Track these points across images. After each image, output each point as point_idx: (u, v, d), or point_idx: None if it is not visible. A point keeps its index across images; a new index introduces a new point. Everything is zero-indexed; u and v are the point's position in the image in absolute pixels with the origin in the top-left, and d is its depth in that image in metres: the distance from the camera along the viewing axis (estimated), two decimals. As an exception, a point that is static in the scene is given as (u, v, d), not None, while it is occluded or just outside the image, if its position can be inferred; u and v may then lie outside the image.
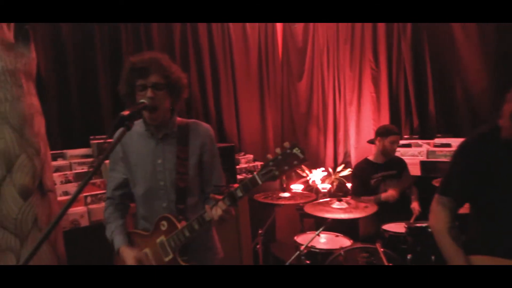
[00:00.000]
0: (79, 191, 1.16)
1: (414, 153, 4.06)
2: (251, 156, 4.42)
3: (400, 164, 3.51)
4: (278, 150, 1.40)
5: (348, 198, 3.09)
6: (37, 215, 2.09)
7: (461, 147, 1.66)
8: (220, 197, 1.52)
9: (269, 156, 1.42)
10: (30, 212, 2.07)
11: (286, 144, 1.39)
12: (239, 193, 1.48)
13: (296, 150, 1.37)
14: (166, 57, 1.66)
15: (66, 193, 2.87)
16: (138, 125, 1.74)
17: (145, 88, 1.59)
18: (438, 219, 1.65)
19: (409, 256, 2.56)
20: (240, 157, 4.23)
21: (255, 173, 1.43)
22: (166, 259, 1.66)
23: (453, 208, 1.65)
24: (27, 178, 2.06)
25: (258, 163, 4.35)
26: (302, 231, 4.07)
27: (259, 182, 1.42)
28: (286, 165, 1.38)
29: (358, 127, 4.98)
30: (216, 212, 1.51)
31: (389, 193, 3.22)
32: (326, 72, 5.20)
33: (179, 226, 1.63)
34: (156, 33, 3.84)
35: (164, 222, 1.67)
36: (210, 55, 4.35)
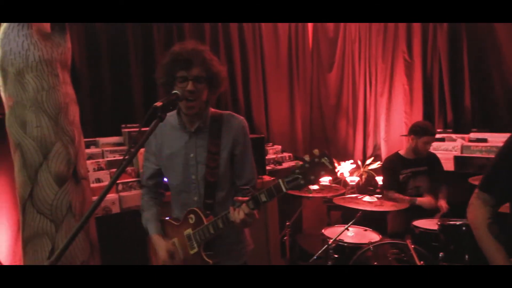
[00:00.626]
0: (113, 182, 1.17)
1: (447, 148, 3.94)
2: (279, 147, 4.41)
3: (432, 160, 3.40)
4: (306, 158, 1.37)
5: (378, 192, 3.04)
6: (71, 201, 2.15)
7: (509, 142, 1.57)
8: (245, 199, 1.51)
9: (297, 162, 1.39)
10: (65, 198, 2.13)
11: (316, 152, 1.35)
12: (263, 198, 1.46)
13: (324, 160, 1.33)
14: (208, 49, 1.65)
15: (98, 180, 2.94)
16: (172, 118, 1.74)
17: (186, 80, 1.58)
18: (478, 215, 1.58)
19: (441, 254, 2.49)
20: (268, 148, 4.22)
21: (280, 180, 1.41)
22: (192, 252, 1.68)
23: (494, 205, 1.57)
24: (62, 166, 2.11)
25: (286, 154, 4.34)
26: (329, 224, 4.04)
27: (284, 190, 1.40)
28: (313, 174, 1.34)
29: (389, 119, 4.88)
30: (238, 215, 1.50)
31: (426, 200, 3.14)
32: (357, 63, 5.10)
33: (206, 221, 1.64)
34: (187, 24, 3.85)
35: (192, 216, 1.68)
36: (240, 45, 4.34)
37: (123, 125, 3.32)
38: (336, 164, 4.74)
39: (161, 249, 1.72)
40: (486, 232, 1.53)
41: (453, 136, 4.05)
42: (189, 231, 1.69)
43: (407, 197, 3.17)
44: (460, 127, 4.25)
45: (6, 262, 2.69)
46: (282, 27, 4.78)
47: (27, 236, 2.14)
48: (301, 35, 5.01)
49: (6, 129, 2.14)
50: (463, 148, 3.87)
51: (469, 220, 1.62)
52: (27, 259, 2.17)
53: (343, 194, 3.36)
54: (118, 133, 3.32)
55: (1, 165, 2.78)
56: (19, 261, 2.86)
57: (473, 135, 3.92)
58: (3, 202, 2.83)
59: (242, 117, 1.81)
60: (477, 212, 1.59)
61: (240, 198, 1.54)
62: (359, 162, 4.90)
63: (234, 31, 4.26)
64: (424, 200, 3.14)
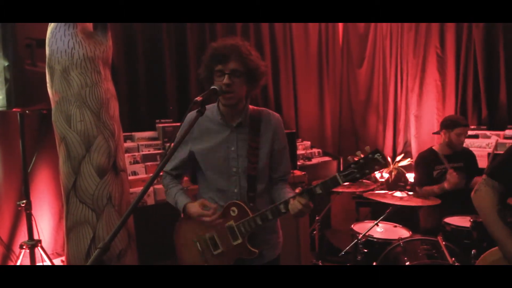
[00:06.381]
0: (154, 177, 1.21)
1: (481, 145, 3.86)
2: (308, 143, 4.44)
3: (468, 156, 3.34)
4: (359, 153, 1.52)
5: (408, 188, 3.02)
6: (111, 192, 2.27)
7: None
8: (301, 189, 1.60)
9: (350, 158, 1.53)
10: (106, 189, 2.24)
11: (367, 149, 1.50)
12: (318, 191, 1.56)
13: (378, 156, 1.46)
14: (246, 45, 1.69)
15: (134, 173, 3.06)
16: (210, 111, 1.77)
17: (223, 74, 1.64)
18: (486, 200, 1.61)
19: (473, 252, 2.46)
20: (297, 144, 4.25)
21: (336, 173, 1.52)
22: (235, 243, 1.73)
23: (502, 193, 1.59)
24: (103, 158, 2.23)
25: (316, 150, 4.36)
26: (358, 220, 4.05)
27: (340, 182, 1.51)
28: (368, 168, 1.47)
29: (420, 116, 4.82)
30: (295, 206, 1.58)
31: (452, 180, 3.06)
32: (388, 59, 5.05)
33: (251, 213, 1.69)
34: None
35: (234, 208, 1.73)
36: (270, 41, 4.38)
37: (157, 120, 3.44)
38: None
39: (196, 207, 1.73)
40: (496, 217, 1.55)
41: (488, 133, 3.96)
42: (231, 223, 1.73)
43: (435, 186, 3.13)
44: (495, 124, 4.16)
45: (48, 249, 2.85)
46: (312, 23, 4.79)
47: (70, 224, 2.27)
48: (331, 31, 5.01)
49: (51, 123, 2.28)
50: (497, 145, 3.78)
51: (477, 205, 1.64)
52: (70, 246, 2.30)
53: (373, 190, 3.36)
54: (153, 128, 3.44)
55: (45, 158, 2.94)
56: (60, 248, 3.03)
57: (508, 132, 3.83)
58: (46, 192, 3.00)
59: (278, 114, 1.87)
60: (486, 197, 1.61)
61: (297, 190, 1.63)
62: (389, 159, 4.87)
63: (265, 29, 4.31)
64: (450, 181, 3.07)
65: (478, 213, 1.64)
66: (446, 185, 3.07)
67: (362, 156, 1.50)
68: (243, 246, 1.71)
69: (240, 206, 1.72)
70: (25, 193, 2.56)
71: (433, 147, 3.38)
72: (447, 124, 3.22)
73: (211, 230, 1.79)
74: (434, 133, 3.50)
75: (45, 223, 2.96)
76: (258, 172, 1.76)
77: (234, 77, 1.64)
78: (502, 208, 1.59)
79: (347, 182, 1.50)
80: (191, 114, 1.61)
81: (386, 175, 4.59)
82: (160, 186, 2.99)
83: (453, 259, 2.38)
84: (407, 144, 5.02)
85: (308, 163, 4.02)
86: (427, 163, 3.28)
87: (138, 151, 3.24)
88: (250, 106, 1.82)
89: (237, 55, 1.63)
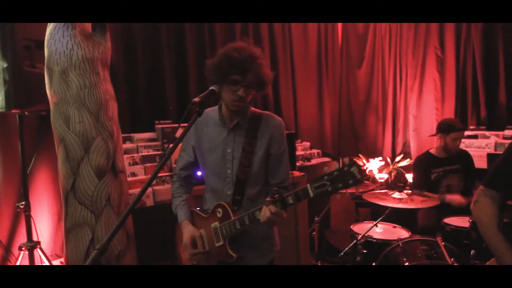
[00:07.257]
0: (153, 178, 1.23)
1: (480, 145, 3.86)
2: (307, 144, 4.43)
3: (464, 158, 3.34)
4: (336, 165, 1.39)
5: (407, 189, 3.02)
6: (110, 193, 2.26)
7: None
8: (275, 198, 1.55)
9: (327, 168, 1.42)
10: (104, 190, 2.24)
11: (346, 160, 1.38)
12: (290, 201, 1.51)
13: (354, 169, 1.35)
14: (260, 54, 1.69)
15: (133, 174, 3.06)
16: (214, 113, 1.80)
17: (238, 84, 1.63)
18: (486, 212, 1.55)
19: (472, 252, 2.46)
20: (297, 145, 4.24)
21: (308, 184, 1.44)
22: (217, 245, 1.74)
23: (501, 202, 1.55)
24: (102, 159, 2.22)
25: (315, 151, 4.35)
26: (357, 220, 4.05)
27: (311, 194, 1.44)
28: (341, 182, 1.37)
29: (419, 116, 4.82)
30: (265, 213, 1.55)
31: (456, 198, 3.07)
32: (387, 59, 5.05)
33: (233, 216, 1.69)
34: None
35: (220, 210, 1.74)
36: (269, 41, 4.38)
37: (157, 122, 3.43)
38: (364, 161, 4.72)
39: (186, 234, 1.77)
40: (496, 230, 1.50)
41: (487, 133, 3.96)
42: (216, 224, 1.74)
43: (436, 195, 3.14)
44: (494, 124, 4.16)
45: (47, 250, 2.85)
46: (312, 23, 4.79)
47: (69, 226, 2.26)
48: (331, 32, 5.01)
49: (50, 124, 2.27)
50: (497, 145, 3.78)
51: (476, 217, 1.59)
52: (69, 247, 2.29)
53: (372, 190, 3.36)
54: (152, 129, 3.44)
55: (44, 160, 2.94)
56: (59, 250, 3.02)
57: (507, 132, 3.83)
58: (45, 194, 2.99)
59: (280, 118, 1.84)
60: (486, 209, 1.55)
61: (269, 198, 1.57)
62: (388, 159, 4.87)
63: (264, 29, 4.30)
64: (454, 198, 3.08)
65: (477, 224, 1.60)
66: (446, 198, 3.08)
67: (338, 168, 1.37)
68: (224, 248, 1.71)
69: (224, 208, 1.72)
70: (24, 194, 2.56)
71: (430, 150, 3.38)
72: (443, 129, 3.24)
73: (201, 228, 1.81)
74: (430, 136, 3.50)
75: (44, 224, 2.96)
76: (250, 176, 1.75)
77: (249, 89, 1.65)
78: (501, 219, 1.54)
79: (318, 195, 1.41)
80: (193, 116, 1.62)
81: (385, 176, 4.59)
82: (159, 187, 2.99)
83: (452, 259, 2.38)
84: (406, 144, 5.02)
85: (307, 163, 4.01)
86: (424, 166, 3.29)
87: (137, 152, 3.23)
88: (252, 109, 1.82)
89: (255, 69, 1.63)
